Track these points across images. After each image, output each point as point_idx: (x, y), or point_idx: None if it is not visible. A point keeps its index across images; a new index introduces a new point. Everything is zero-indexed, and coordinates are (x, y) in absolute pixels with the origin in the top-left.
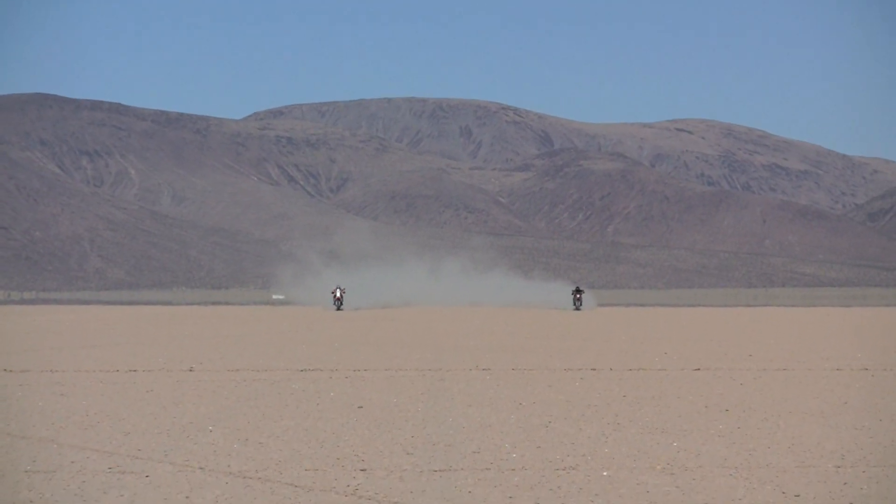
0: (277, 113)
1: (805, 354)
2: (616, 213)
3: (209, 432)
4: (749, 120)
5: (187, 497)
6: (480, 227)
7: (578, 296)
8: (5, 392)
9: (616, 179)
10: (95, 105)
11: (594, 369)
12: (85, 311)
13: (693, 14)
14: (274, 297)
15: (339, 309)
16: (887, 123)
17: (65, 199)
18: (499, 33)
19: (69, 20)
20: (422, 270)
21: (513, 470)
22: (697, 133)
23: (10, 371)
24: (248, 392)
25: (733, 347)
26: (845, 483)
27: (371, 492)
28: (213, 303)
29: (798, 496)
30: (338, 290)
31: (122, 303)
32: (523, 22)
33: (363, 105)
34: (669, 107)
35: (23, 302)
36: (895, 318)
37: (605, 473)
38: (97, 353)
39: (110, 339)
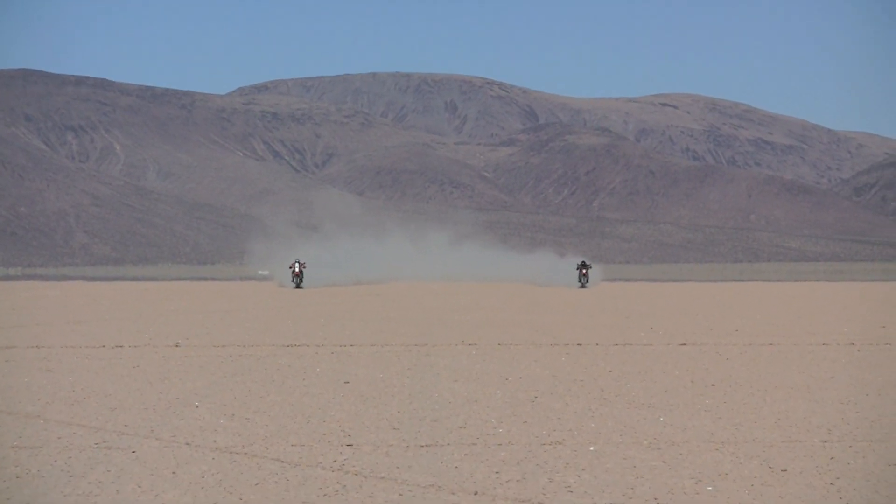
0: (262, 88)
1: (791, 329)
2: (601, 187)
3: (195, 408)
4: (734, 94)
5: (174, 472)
6: (466, 202)
7: (584, 271)
8: None
9: (601, 154)
10: (80, 80)
11: (580, 344)
12: (71, 286)
13: None
14: (259, 272)
15: (298, 286)
16: (873, 97)
17: (50, 174)
18: (484, 7)
19: None
20: (404, 244)
21: (499, 445)
22: (682, 107)
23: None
24: (234, 368)
25: (719, 322)
26: (832, 458)
27: (357, 467)
28: (199, 278)
29: (785, 471)
30: (296, 264)
31: (107, 278)
32: None
33: (348, 80)
34: (654, 81)
35: (8, 278)
36: (881, 293)
37: (591, 448)
38: (83, 329)
39: (96, 315)
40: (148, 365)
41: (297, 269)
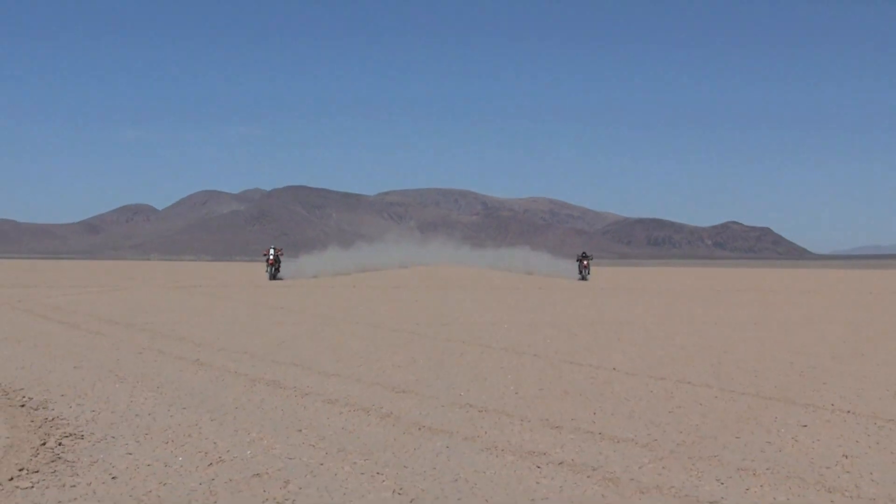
0: (386, 193)
1: (580, 285)
2: (509, 230)
3: (359, 308)
4: (565, 196)
5: (355, 334)
6: (459, 236)
7: (585, 262)
8: (285, 291)
9: (509, 219)
10: (319, 190)
11: (504, 289)
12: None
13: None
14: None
15: (273, 277)
16: (609, 190)
17: (308, 224)
18: (467, 156)
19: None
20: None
21: (472, 325)
22: (539, 203)
23: (289, 285)
24: (374, 295)
25: (542, 282)
26: (600, 330)
27: (417, 332)
28: (362, 270)
29: (576, 335)
30: (271, 250)
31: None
32: (475, 145)
33: (411, 192)
34: (531, 189)
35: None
36: (615, 274)
37: (505, 327)
38: (324, 278)
39: (328, 273)
40: (342, 293)
41: (271, 258)
